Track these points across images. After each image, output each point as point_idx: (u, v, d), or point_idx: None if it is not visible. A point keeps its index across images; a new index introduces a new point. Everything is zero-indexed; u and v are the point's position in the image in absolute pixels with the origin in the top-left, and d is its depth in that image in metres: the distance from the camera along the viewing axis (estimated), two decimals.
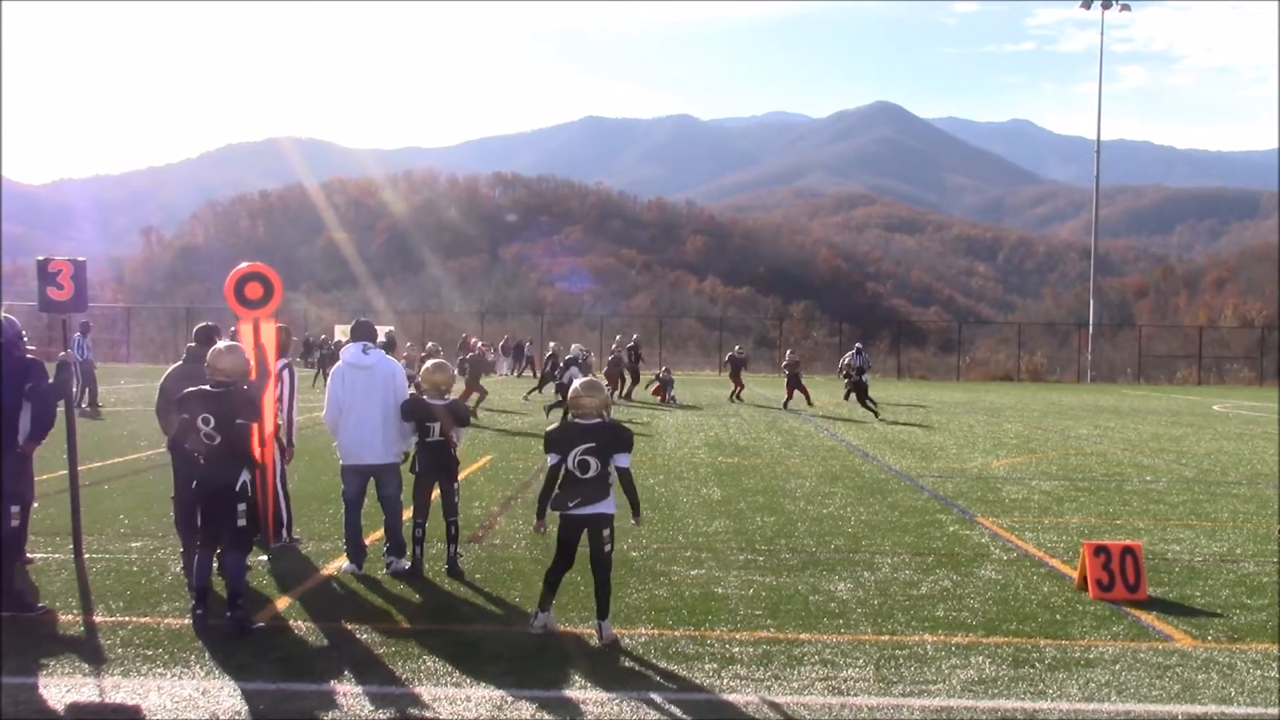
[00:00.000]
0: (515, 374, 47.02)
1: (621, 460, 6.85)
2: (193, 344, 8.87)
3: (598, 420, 6.91)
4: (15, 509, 7.52)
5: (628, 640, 6.97)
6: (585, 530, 6.90)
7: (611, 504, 6.86)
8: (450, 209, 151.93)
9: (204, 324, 9.01)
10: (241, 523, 7.09)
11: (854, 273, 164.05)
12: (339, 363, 8.97)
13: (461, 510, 9.79)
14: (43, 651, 6.53)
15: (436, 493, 8.81)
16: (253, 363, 8.80)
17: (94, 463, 14.73)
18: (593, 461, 6.79)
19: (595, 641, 6.83)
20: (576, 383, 7.09)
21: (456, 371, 18.09)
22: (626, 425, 7.13)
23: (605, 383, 8.77)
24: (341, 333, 48.06)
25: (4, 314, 7.71)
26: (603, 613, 6.90)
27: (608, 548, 6.88)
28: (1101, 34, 50.46)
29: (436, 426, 8.58)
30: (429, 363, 8.96)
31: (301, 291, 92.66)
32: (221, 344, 7.45)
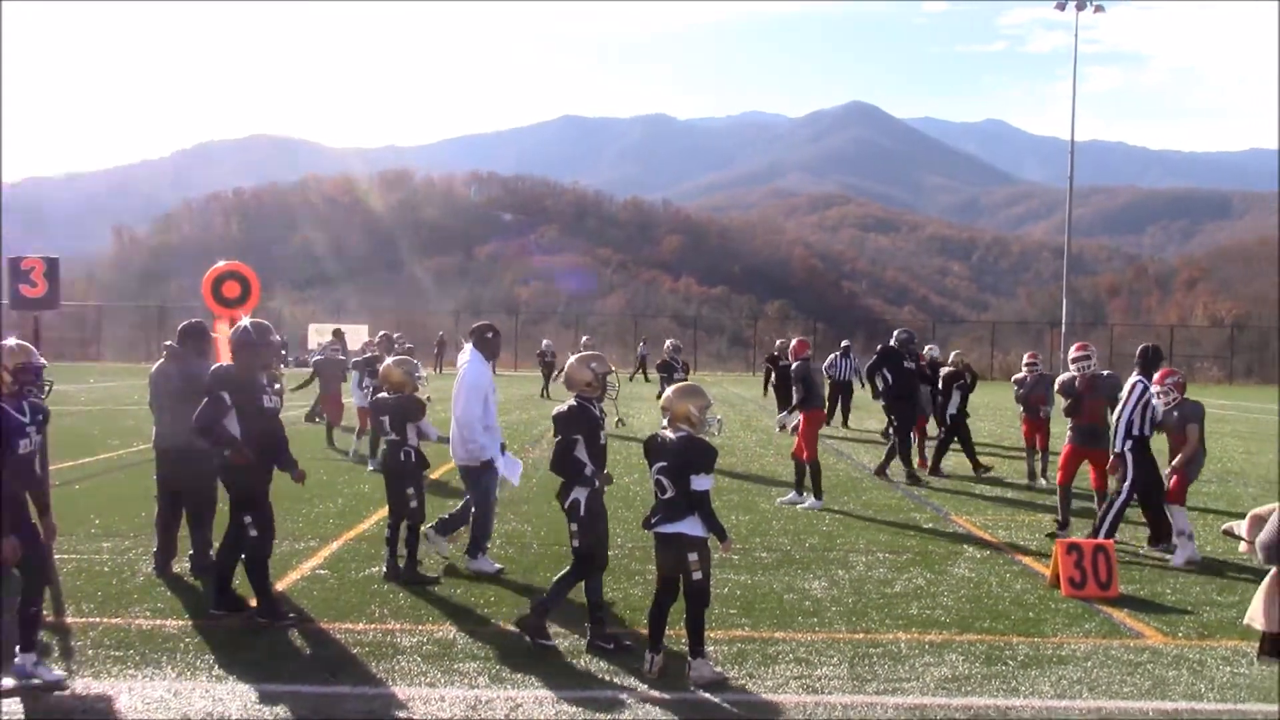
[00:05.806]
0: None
1: (699, 483, 6.02)
2: (170, 343, 8.79)
3: (682, 434, 6.14)
4: (248, 518, 7.27)
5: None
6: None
7: (696, 524, 6.13)
8: (427, 208, 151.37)
9: (191, 321, 8.83)
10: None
11: (829, 272, 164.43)
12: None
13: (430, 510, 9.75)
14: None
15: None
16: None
17: (64, 462, 14.57)
18: (666, 483, 6.12)
19: (689, 676, 6.15)
20: (670, 389, 6.35)
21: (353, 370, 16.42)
22: (705, 440, 6.20)
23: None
24: (316, 333, 47.84)
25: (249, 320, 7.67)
26: (693, 649, 6.17)
27: (696, 575, 6.10)
28: (1075, 35, 50.75)
29: (386, 421, 8.58)
30: (389, 360, 9.03)
31: (277, 291, 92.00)
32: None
